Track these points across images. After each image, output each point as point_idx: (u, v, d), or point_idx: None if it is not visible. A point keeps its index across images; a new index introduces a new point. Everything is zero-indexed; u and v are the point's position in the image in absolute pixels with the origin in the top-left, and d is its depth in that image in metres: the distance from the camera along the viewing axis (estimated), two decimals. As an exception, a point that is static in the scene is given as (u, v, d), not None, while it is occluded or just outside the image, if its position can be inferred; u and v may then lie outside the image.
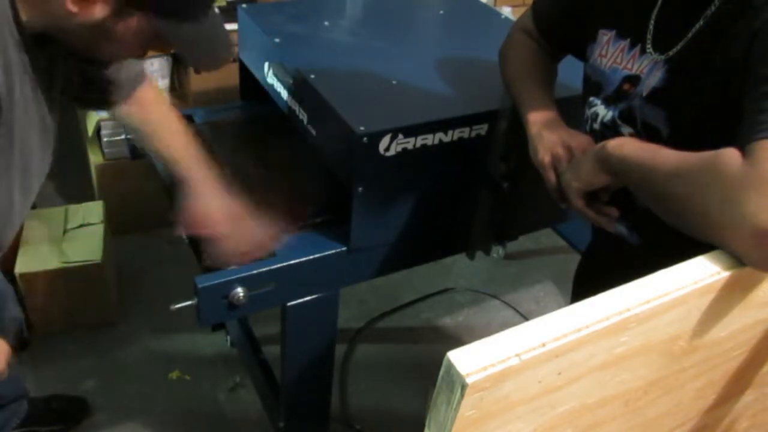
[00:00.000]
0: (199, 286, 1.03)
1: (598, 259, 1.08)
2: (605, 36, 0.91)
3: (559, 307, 0.57)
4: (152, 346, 1.93)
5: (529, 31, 1.07)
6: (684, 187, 0.69)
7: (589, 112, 0.94)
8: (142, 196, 1.99)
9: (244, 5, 1.41)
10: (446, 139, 1.09)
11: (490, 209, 1.21)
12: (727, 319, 0.70)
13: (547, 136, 0.94)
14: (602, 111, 0.90)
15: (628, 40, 0.87)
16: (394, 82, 1.17)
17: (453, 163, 1.14)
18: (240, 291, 1.06)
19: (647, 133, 0.84)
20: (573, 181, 0.85)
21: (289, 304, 1.16)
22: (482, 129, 1.12)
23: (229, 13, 2.05)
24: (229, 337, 1.91)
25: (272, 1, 1.75)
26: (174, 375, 1.86)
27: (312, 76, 1.15)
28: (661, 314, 0.61)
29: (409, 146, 1.06)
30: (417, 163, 1.09)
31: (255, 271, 1.08)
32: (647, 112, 0.84)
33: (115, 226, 2.06)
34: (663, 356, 0.68)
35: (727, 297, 0.67)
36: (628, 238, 0.94)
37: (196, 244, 1.18)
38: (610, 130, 0.89)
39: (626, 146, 0.79)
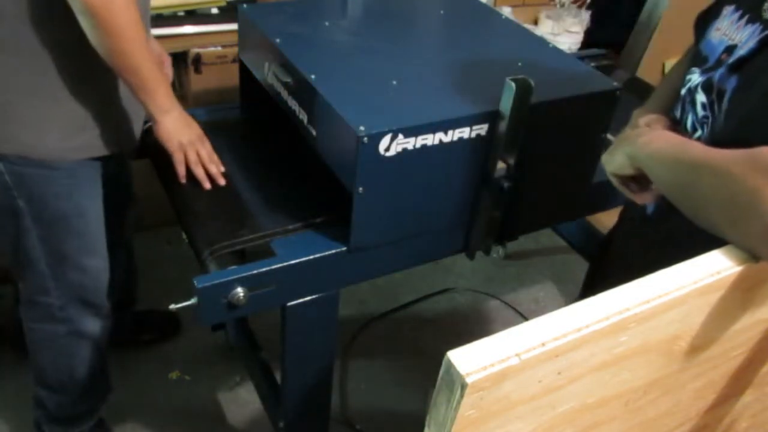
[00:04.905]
0: (199, 286, 1.03)
1: (620, 243, 1.15)
2: (726, 11, 0.91)
3: (559, 307, 0.57)
4: (152, 346, 1.94)
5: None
6: (711, 177, 0.70)
7: (685, 78, 0.96)
8: (142, 196, 1.99)
9: (244, 5, 1.41)
10: (446, 139, 1.09)
11: (490, 209, 1.21)
12: (727, 319, 0.70)
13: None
14: (695, 78, 0.92)
15: (741, 11, 0.88)
16: (394, 82, 1.17)
17: (453, 163, 1.14)
18: (240, 291, 1.06)
19: (718, 101, 0.86)
20: (606, 165, 0.93)
21: (289, 304, 1.16)
22: (482, 129, 1.12)
23: (229, 13, 2.05)
24: (229, 337, 1.91)
25: (272, 1, 1.75)
26: (174, 375, 1.87)
27: (312, 77, 1.15)
28: (660, 314, 0.61)
29: (409, 146, 1.07)
30: (417, 163, 1.09)
31: (255, 271, 1.08)
32: (724, 79, 0.85)
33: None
34: (663, 356, 0.68)
35: (727, 297, 0.67)
36: (649, 211, 0.99)
37: (196, 244, 1.18)
38: (689, 96, 0.93)
39: (655, 142, 0.82)
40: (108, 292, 1.43)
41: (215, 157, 1.30)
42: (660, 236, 0.97)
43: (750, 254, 0.65)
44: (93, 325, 1.44)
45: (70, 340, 1.44)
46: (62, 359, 1.46)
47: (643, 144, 0.83)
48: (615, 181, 0.93)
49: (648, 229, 1.02)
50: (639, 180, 0.90)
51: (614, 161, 0.90)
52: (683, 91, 0.95)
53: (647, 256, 0.77)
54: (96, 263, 1.38)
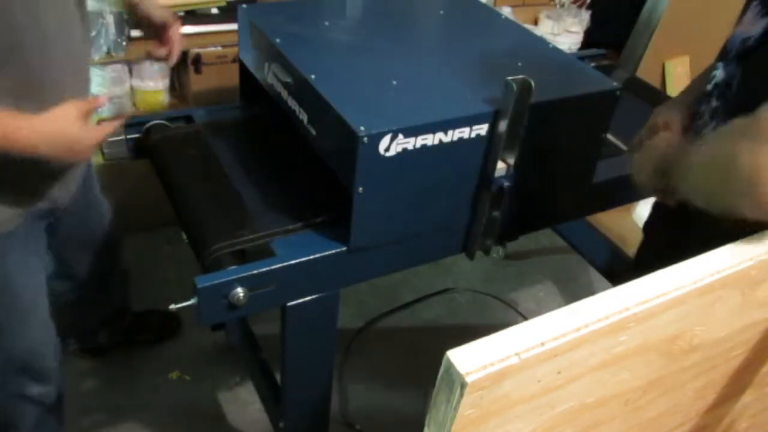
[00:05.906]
0: (199, 286, 1.03)
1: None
2: (752, 5, 0.93)
3: (559, 307, 0.57)
4: (152, 346, 1.94)
5: None
6: (721, 147, 0.76)
7: (711, 75, 1.00)
8: (142, 197, 1.99)
9: (244, 5, 1.41)
10: (446, 139, 1.09)
11: (490, 209, 1.21)
12: (726, 319, 0.70)
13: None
14: (718, 74, 0.96)
15: (762, 5, 0.90)
16: (394, 82, 1.17)
17: (453, 163, 1.14)
18: (240, 291, 1.06)
19: (728, 92, 0.90)
20: (636, 175, 1.00)
21: (289, 304, 1.16)
22: (482, 129, 1.12)
23: (229, 13, 2.05)
24: (229, 337, 1.91)
25: (272, 1, 1.75)
26: (174, 375, 1.86)
27: (312, 77, 1.15)
28: (660, 314, 0.61)
29: (409, 146, 1.07)
30: (417, 163, 1.09)
31: (255, 271, 1.08)
32: (730, 71, 0.89)
33: (115, 227, 2.06)
34: (662, 356, 0.68)
35: (727, 297, 0.67)
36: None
37: (196, 244, 1.18)
38: (715, 91, 0.96)
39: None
40: (48, 353, 1.37)
41: (104, 129, 1.12)
42: (682, 225, 1.02)
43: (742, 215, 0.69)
44: (37, 389, 1.37)
45: (12, 401, 1.37)
46: (3, 418, 1.39)
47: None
48: (646, 189, 0.99)
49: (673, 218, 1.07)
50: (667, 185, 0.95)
51: (642, 173, 0.98)
52: (709, 86, 0.97)
53: (671, 245, 0.81)
54: (31, 331, 1.31)
